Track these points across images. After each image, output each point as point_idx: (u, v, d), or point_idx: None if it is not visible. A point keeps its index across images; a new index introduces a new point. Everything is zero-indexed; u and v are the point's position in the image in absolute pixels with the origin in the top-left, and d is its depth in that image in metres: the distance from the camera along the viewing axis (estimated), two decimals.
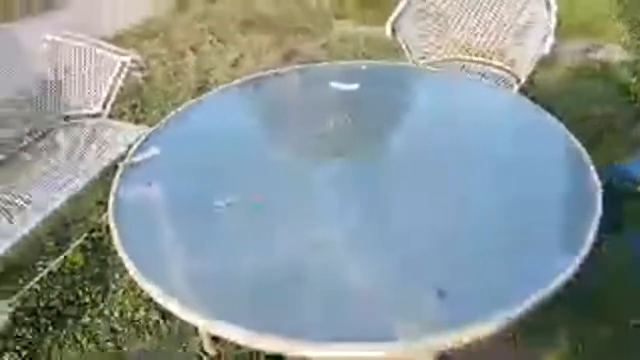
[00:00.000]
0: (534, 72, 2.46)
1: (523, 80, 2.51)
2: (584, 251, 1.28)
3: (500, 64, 2.71)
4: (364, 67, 2.42)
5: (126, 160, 1.80)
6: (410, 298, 1.26)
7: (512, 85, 2.54)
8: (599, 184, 1.48)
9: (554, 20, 2.44)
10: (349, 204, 1.56)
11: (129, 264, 1.39)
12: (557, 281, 1.22)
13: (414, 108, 2.06)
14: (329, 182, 1.67)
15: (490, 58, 2.75)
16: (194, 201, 1.61)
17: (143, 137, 1.92)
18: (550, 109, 1.83)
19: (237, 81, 2.33)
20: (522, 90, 2.45)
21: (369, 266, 1.35)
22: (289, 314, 1.24)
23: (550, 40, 2.36)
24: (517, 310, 1.17)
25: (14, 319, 2.06)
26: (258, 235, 1.48)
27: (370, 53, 3.93)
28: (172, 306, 1.29)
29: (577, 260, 1.26)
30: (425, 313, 1.21)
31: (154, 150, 1.84)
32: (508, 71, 2.66)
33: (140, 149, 1.85)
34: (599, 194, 1.44)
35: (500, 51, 2.71)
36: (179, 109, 2.10)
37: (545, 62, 2.53)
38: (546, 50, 2.34)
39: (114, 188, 1.68)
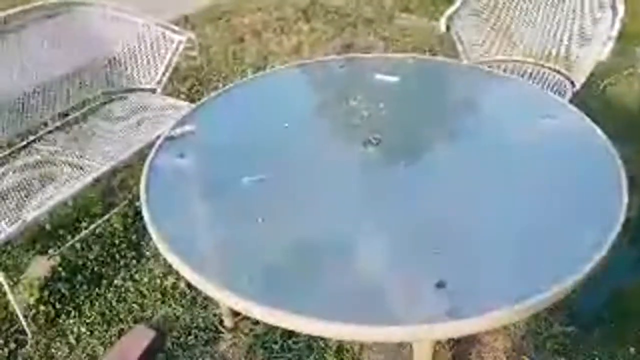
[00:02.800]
0: (590, 78, 2.35)
1: (578, 86, 2.40)
2: (597, 256, 1.25)
3: (556, 67, 2.60)
4: (410, 61, 2.40)
5: (165, 133, 1.88)
6: (412, 287, 1.26)
7: (565, 91, 2.43)
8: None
9: (617, 26, 2.31)
10: (370, 191, 1.57)
11: (152, 230, 1.46)
12: (559, 284, 1.21)
13: (450, 104, 2.02)
14: (355, 168, 1.69)
15: (547, 61, 2.64)
16: (223, 176, 1.66)
17: (184, 114, 1.99)
18: (598, 118, 1.75)
19: (285, 65, 2.37)
20: (576, 96, 2.35)
21: (380, 253, 1.36)
22: (301, 293, 1.28)
23: (610, 46, 2.24)
24: (514, 308, 1.17)
25: (52, 273, 2.21)
26: (279, 215, 1.51)
27: (430, 48, 3.88)
28: (188, 274, 1.35)
29: (586, 268, 1.23)
30: (424, 302, 1.22)
31: (192, 126, 1.91)
32: (564, 75, 2.54)
33: (181, 123, 1.93)
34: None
35: (557, 54, 2.60)
36: (225, 88, 2.17)
37: (603, 69, 2.41)
38: (604, 56, 2.22)
39: (149, 158, 1.76)
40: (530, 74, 2.59)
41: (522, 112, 1.93)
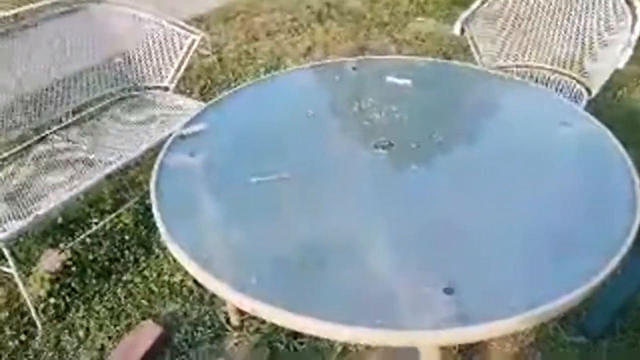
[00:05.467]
0: (606, 86, 2.32)
1: (594, 93, 2.37)
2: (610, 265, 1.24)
3: (572, 74, 2.57)
4: (423, 64, 2.40)
5: (176, 132, 1.89)
6: (420, 291, 1.26)
7: (581, 98, 2.40)
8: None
9: (638, 33, 2.29)
10: (380, 194, 1.57)
11: (160, 227, 1.47)
12: (570, 293, 1.20)
13: (463, 108, 2.01)
14: (365, 171, 1.68)
15: (563, 67, 2.62)
16: (233, 175, 1.67)
17: (195, 113, 2.00)
18: (614, 126, 1.73)
19: (297, 66, 2.38)
20: (592, 103, 2.32)
21: (389, 256, 1.36)
22: (308, 294, 1.28)
23: (629, 54, 2.21)
24: (523, 316, 1.16)
25: (63, 266, 2.23)
26: (287, 216, 1.51)
27: (444, 52, 3.86)
28: (195, 272, 1.36)
29: (599, 277, 1.22)
30: (432, 307, 1.21)
31: (204, 125, 1.92)
32: (580, 82, 2.52)
33: (192, 122, 1.94)
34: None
35: (574, 61, 2.57)
36: (237, 88, 2.18)
37: (620, 77, 2.39)
38: (621, 64, 2.20)
39: (160, 156, 1.77)
40: (546, 80, 2.57)
41: (537, 118, 1.91)
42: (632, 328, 1.92)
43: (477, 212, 1.48)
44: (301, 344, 1.92)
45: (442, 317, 1.18)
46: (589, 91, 2.42)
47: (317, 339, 1.89)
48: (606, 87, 2.37)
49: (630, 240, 1.30)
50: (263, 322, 1.96)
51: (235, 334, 1.98)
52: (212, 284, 1.33)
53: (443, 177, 1.64)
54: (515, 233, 1.41)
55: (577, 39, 2.57)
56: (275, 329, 1.94)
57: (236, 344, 1.96)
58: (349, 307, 1.24)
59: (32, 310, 2.04)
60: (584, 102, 2.35)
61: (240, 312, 1.99)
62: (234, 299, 1.32)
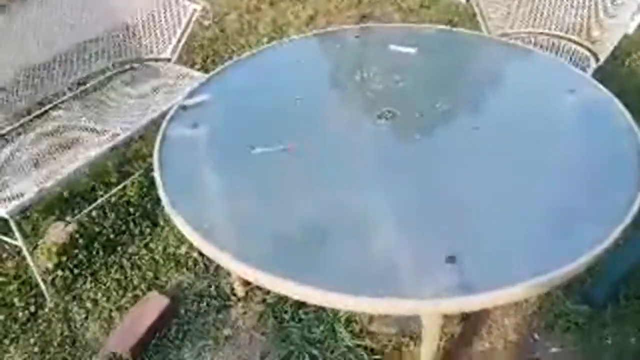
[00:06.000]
0: (614, 53, 2.28)
1: (602, 60, 2.33)
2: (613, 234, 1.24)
3: (580, 40, 2.51)
4: (428, 32, 2.35)
5: (179, 103, 1.88)
6: (422, 260, 1.27)
7: (589, 65, 2.36)
8: None
9: None
10: (382, 165, 1.56)
11: (164, 200, 1.47)
12: (573, 261, 1.20)
13: (468, 77, 1.98)
14: (367, 142, 1.67)
15: (571, 33, 2.56)
16: (236, 146, 1.66)
17: (198, 83, 1.99)
18: (621, 94, 1.70)
19: (299, 35, 2.34)
20: (600, 70, 2.28)
21: (393, 227, 1.36)
22: (312, 264, 1.29)
23: (638, 20, 2.16)
24: (526, 284, 1.17)
25: (70, 239, 2.25)
26: (290, 186, 1.51)
27: (450, 20, 3.78)
28: (199, 244, 1.37)
29: (603, 245, 1.22)
30: (434, 276, 1.21)
31: (206, 95, 1.90)
32: (588, 49, 2.47)
33: (194, 93, 1.92)
34: None
35: (582, 27, 2.51)
36: (239, 58, 2.15)
37: (629, 43, 2.33)
38: (631, 30, 2.15)
39: (162, 128, 1.77)
40: (553, 47, 2.52)
41: (543, 86, 1.88)
42: (636, 296, 1.92)
43: (481, 182, 1.47)
44: (306, 313, 1.94)
45: (444, 286, 1.18)
46: (597, 58, 2.38)
47: (322, 308, 1.91)
48: (615, 54, 2.32)
49: (635, 209, 1.29)
50: (268, 292, 1.98)
51: (241, 304, 2.01)
52: (216, 255, 1.34)
53: (447, 148, 1.63)
54: (519, 202, 1.40)
55: (585, 4, 2.51)
56: (280, 299, 1.96)
57: (242, 314, 1.98)
58: (352, 277, 1.25)
59: (41, 283, 2.06)
60: (592, 69, 2.31)
61: (245, 283, 2.01)
62: (238, 269, 1.33)
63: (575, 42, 2.52)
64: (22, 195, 1.89)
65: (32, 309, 2.06)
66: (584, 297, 1.92)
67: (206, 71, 2.73)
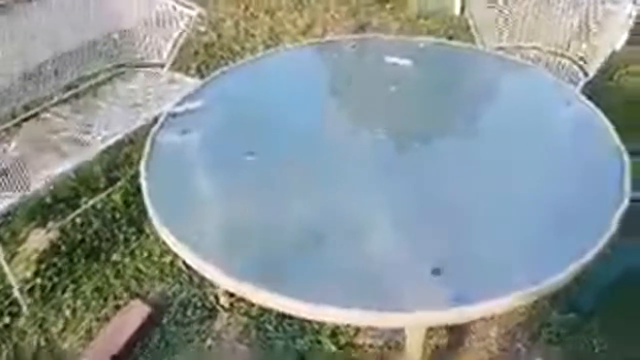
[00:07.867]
0: (604, 68, 2.29)
1: (591, 75, 2.34)
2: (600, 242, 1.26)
3: (569, 55, 2.53)
4: (421, 45, 2.35)
5: (169, 110, 1.86)
6: (409, 273, 1.26)
7: (578, 80, 2.37)
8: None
9: (634, 14, 2.24)
10: (375, 176, 1.56)
11: (150, 207, 1.45)
12: (560, 272, 1.21)
13: (461, 89, 1.99)
14: (361, 151, 1.67)
15: (561, 48, 2.57)
16: (226, 154, 1.66)
17: (190, 90, 1.97)
18: (609, 108, 1.71)
19: (295, 45, 2.34)
20: (588, 85, 2.29)
21: (380, 236, 1.36)
22: (297, 277, 1.27)
23: (625, 36, 2.18)
24: (508, 296, 1.17)
25: (51, 246, 2.21)
26: (278, 196, 1.50)
27: (445, 32, 3.79)
28: (183, 253, 1.36)
29: (590, 254, 1.24)
30: (419, 288, 1.21)
31: (198, 102, 1.89)
32: (577, 64, 2.48)
33: (186, 99, 1.91)
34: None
35: (571, 42, 2.52)
36: (233, 65, 2.14)
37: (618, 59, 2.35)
38: (618, 46, 2.17)
39: (151, 134, 1.75)
40: (543, 61, 2.53)
41: (532, 100, 1.90)
42: (623, 304, 1.91)
43: (469, 194, 1.47)
44: (291, 325, 1.91)
45: (428, 299, 1.17)
46: (585, 73, 2.39)
47: (306, 320, 1.88)
48: (603, 69, 2.33)
49: (616, 219, 1.31)
50: (252, 304, 1.95)
51: (225, 314, 1.98)
52: (200, 267, 1.32)
53: (440, 158, 1.63)
54: (506, 214, 1.41)
55: (574, 20, 2.52)
56: (265, 310, 1.93)
57: (226, 325, 1.95)
58: (338, 289, 1.23)
59: (16, 292, 2.00)
60: (581, 84, 2.32)
61: (230, 294, 1.98)
62: (222, 282, 1.31)
63: (566, 58, 2.53)
64: (4, 200, 1.86)
65: (7, 320, 1.99)
66: (570, 306, 1.90)
67: (201, 77, 2.71)
